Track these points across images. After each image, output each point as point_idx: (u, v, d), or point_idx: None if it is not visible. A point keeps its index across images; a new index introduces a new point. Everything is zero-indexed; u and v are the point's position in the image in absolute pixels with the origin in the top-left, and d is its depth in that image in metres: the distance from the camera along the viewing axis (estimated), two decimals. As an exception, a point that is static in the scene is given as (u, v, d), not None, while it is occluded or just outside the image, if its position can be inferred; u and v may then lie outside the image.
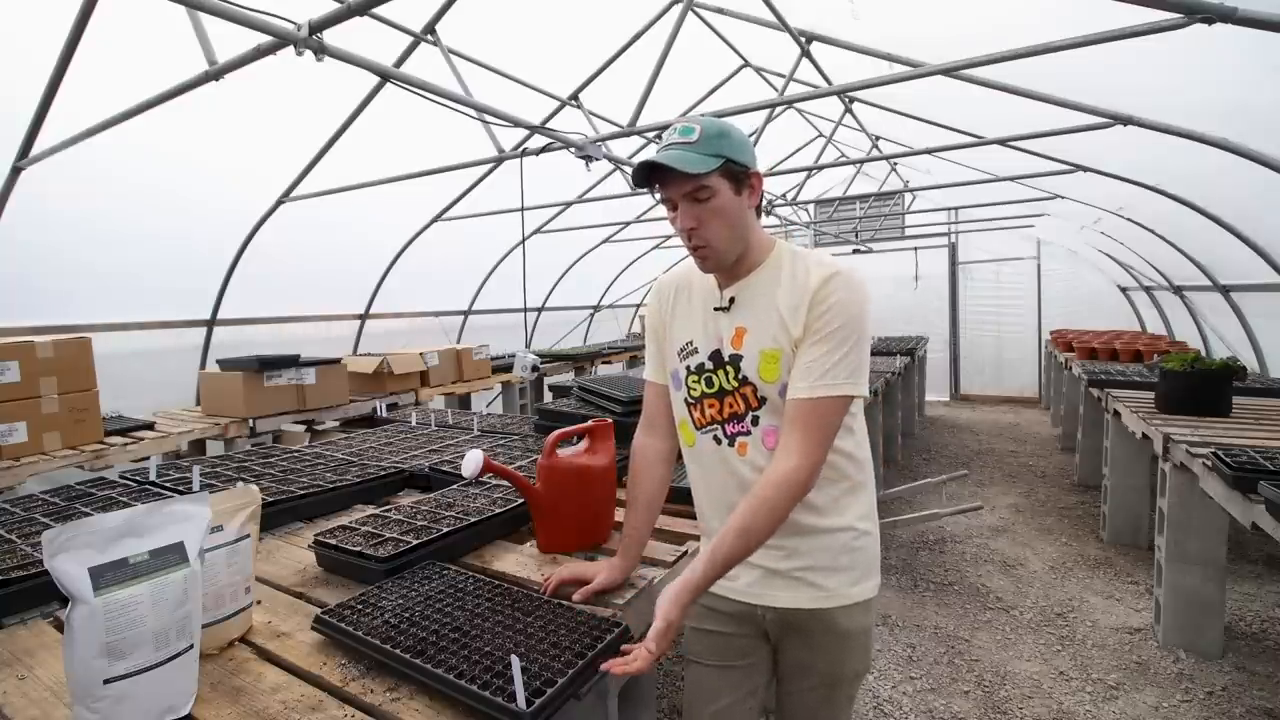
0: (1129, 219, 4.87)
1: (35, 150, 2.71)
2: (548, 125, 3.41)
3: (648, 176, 1.07)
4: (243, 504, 1.17)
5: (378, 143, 3.73)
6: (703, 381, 1.17)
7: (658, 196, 1.10)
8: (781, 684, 1.24)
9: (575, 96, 4.01)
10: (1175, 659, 2.61)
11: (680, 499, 1.56)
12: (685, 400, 1.21)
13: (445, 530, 1.47)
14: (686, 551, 1.48)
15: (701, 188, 1.04)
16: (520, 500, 1.64)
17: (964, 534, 4.01)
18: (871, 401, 4.33)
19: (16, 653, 1.12)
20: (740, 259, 1.13)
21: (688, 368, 1.19)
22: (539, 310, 7.08)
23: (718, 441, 1.16)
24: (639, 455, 1.33)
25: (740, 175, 1.07)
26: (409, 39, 3.00)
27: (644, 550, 1.35)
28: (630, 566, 1.30)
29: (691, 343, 1.19)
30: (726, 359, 1.14)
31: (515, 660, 0.90)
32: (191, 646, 0.94)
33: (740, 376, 1.12)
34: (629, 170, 4.49)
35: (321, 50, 1.93)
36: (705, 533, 1.28)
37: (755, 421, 1.12)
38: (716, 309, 1.16)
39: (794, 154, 6.78)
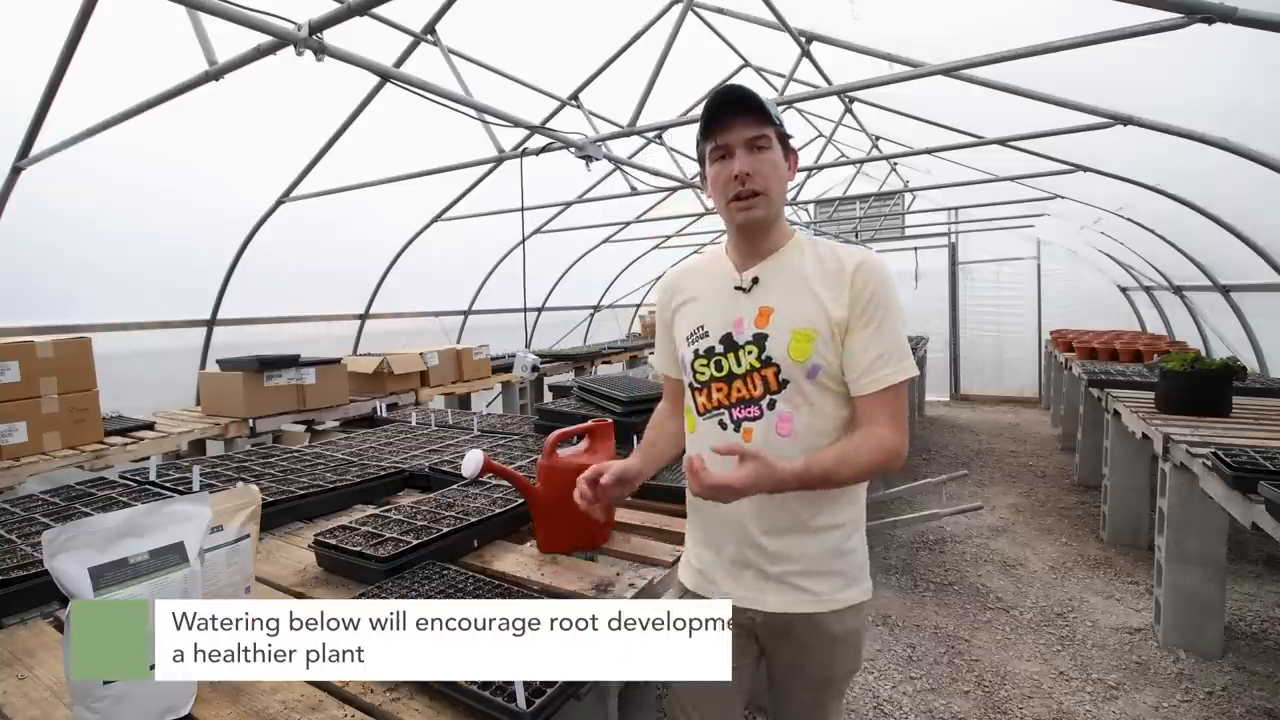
0: (1129, 219, 4.87)
1: (35, 150, 2.71)
2: (548, 125, 3.41)
3: (715, 113, 1.08)
4: (243, 504, 1.17)
5: (378, 143, 3.73)
6: (711, 365, 1.15)
7: (710, 145, 1.10)
8: (773, 686, 1.23)
9: (575, 96, 4.01)
10: (1175, 659, 2.61)
11: (680, 499, 1.56)
12: (691, 385, 1.19)
13: (445, 530, 1.47)
14: (686, 551, 1.48)
15: (763, 136, 1.07)
16: (520, 500, 1.64)
17: (964, 534, 4.01)
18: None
19: (16, 653, 1.12)
20: (766, 235, 1.14)
21: (695, 352, 1.17)
22: (539, 310, 7.08)
23: (723, 426, 1.13)
24: (657, 413, 1.36)
25: (787, 145, 1.13)
26: (409, 39, 2.99)
27: (660, 466, 1.31)
28: (648, 471, 1.27)
29: (702, 327, 1.17)
30: (745, 340, 1.11)
31: (515, 660, 0.90)
32: (191, 646, 0.93)
33: (764, 357, 1.09)
34: (629, 170, 4.52)
35: (321, 50, 1.94)
36: (693, 528, 1.24)
37: (771, 405, 1.09)
38: (737, 288, 1.15)
39: (794, 154, 6.78)
